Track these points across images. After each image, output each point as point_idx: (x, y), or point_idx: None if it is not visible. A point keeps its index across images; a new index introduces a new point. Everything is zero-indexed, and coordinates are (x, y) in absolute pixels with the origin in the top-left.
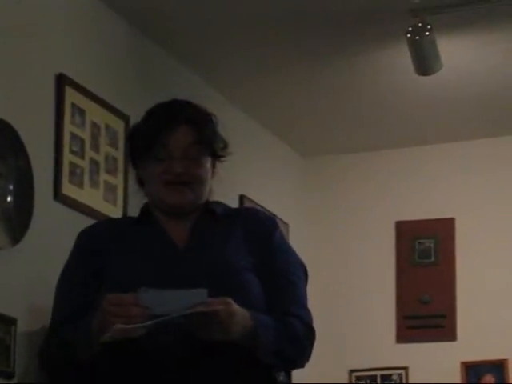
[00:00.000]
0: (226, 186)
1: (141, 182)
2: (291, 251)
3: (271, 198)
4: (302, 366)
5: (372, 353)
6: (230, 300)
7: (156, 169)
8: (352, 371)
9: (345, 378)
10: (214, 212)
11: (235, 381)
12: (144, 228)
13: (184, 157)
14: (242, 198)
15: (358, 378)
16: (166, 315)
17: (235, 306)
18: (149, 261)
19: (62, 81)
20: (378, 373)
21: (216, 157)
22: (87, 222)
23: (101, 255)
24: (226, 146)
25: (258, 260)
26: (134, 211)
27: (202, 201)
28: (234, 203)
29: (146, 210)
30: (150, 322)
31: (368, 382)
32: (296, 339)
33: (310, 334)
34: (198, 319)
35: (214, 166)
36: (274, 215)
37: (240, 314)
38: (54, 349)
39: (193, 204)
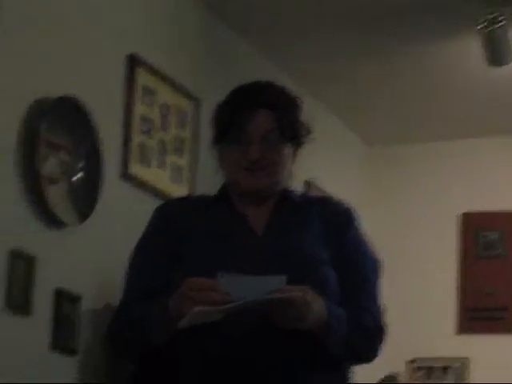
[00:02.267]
0: (293, 171)
1: (221, 162)
2: (366, 243)
3: (336, 185)
4: (370, 361)
5: (432, 343)
6: (308, 288)
7: (234, 152)
8: (411, 361)
9: (404, 368)
10: (292, 199)
11: (307, 370)
12: (222, 210)
13: (262, 142)
14: (307, 183)
15: (417, 368)
16: (243, 301)
17: (312, 295)
18: (227, 246)
19: (133, 61)
20: (437, 363)
21: (297, 143)
22: (153, 201)
23: (176, 235)
24: (308, 131)
25: (334, 252)
26: (199, 192)
27: (280, 186)
28: (299, 188)
29: (224, 191)
30: (227, 306)
31: (427, 372)
32: (367, 334)
33: (380, 330)
34: (276, 306)
35: (295, 152)
36: None
37: (316, 303)
38: (123, 328)
39: (268, 189)
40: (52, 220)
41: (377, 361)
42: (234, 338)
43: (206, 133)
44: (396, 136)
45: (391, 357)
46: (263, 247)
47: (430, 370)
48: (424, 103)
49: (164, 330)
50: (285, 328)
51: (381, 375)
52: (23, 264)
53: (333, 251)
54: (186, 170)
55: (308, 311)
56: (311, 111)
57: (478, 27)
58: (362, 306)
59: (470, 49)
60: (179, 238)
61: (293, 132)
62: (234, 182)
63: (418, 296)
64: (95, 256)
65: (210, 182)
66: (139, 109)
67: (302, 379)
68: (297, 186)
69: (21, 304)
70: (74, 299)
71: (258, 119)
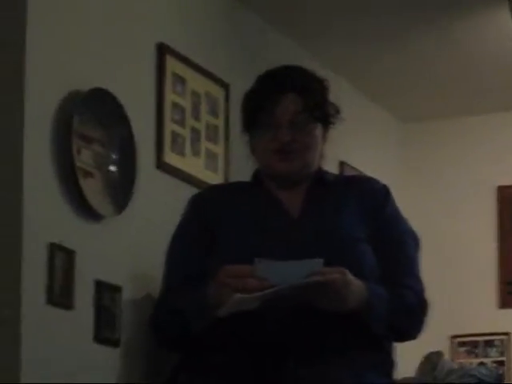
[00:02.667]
0: (326, 152)
1: (252, 148)
2: (404, 220)
3: (371, 164)
4: (414, 338)
5: (474, 318)
6: (346, 270)
7: (264, 136)
8: (453, 337)
9: (446, 344)
10: (325, 180)
11: (348, 351)
12: (256, 195)
13: (291, 125)
14: (342, 164)
15: (459, 343)
16: (282, 286)
17: (351, 276)
18: (262, 230)
19: (162, 50)
20: (480, 338)
21: (327, 123)
22: (189, 189)
23: (211, 222)
24: (337, 111)
25: (372, 230)
26: (235, 178)
27: (312, 168)
28: (334, 169)
29: (257, 176)
30: (266, 292)
31: (469, 347)
32: (409, 311)
33: (423, 306)
34: (315, 289)
35: (325, 132)
36: None
37: (355, 284)
38: (163, 318)
39: (300, 172)
40: (89, 213)
41: (420, 338)
42: (273, 323)
43: (237, 119)
44: (429, 112)
45: (434, 333)
46: (299, 229)
47: (472, 346)
48: (456, 78)
49: (203, 319)
50: (325, 310)
51: (424, 352)
52: (63, 258)
53: (370, 229)
54: (221, 157)
55: (348, 292)
56: (342, 92)
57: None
58: (404, 283)
59: (503, 21)
60: (215, 225)
61: (321, 113)
62: (267, 167)
63: (458, 271)
64: (133, 246)
65: (243, 168)
66: (170, 97)
67: (345, 359)
68: (331, 166)
69: (62, 298)
70: (115, 290)
71: (286, 102)
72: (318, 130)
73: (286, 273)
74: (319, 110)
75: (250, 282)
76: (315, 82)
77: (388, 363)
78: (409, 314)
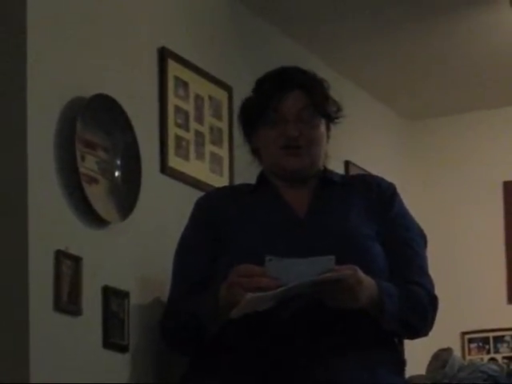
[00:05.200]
0: (332, 151)
1: (254, 153)
2: (411, 218)
3: (377, 163)
4: (426, 335)
5: (484, 314)
6: (357, 267)
7: (271, 134)
8: (464, 333)
9: (457, 341)
10: (331, 180)
11: (360, 349)
12: (262, 196)
13: (298, 120)
14: (347, 163)
15: (470, 340)
16: (294, 283)
17: (362, 273)
18: (270, 230)
19: (164, 54)
20: (491, 334)
21: (330, 120)
22: (194, 193)
23: (219, 225)
24: (339, 109)
25: (380, 228)
26: (240, 181)
27: (319, 165)
28: (339, 169)
29: (262, 178)
30: (279, 290)
31: (480, 343)
32: (419, 307)
33: (433, 303)
34: (327, 286)
35: (328, 130)
36: None
37: (366, 281)
38: (174, 323)
39: (309, 168)
40: (95, 219)
41: (430, 335)
42: (286, 322)
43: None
44: (434, 109)
45: (444, 330)
46: (306, 228)
47: (483, 342)
48: (461, 74)
49: (217, 320)
50: (337, 308)
51: (435, 350)
52: (69, 265)
53: (378, 227)
54: (226, 160)
55: (360, 289)
56: (346, 91)
57: None
58: (414, 280)
59: (504, 17)
60: (222, 227)
61: (325, 108)
62: (275, 165)
63: (466, 268)
64: (140, 251)
65: (247, 170)
66: (173, 101)
67: (357, 358)
68: (336, 166)
69: (70, 305)
70: (122, 296)
71: (291, 99)
72: (323, 126)
73: (297, 271)
74: (323, 105)
75: (262, 280)
76: (316, 80)
77: (399, 361)
78: (419, 311)
